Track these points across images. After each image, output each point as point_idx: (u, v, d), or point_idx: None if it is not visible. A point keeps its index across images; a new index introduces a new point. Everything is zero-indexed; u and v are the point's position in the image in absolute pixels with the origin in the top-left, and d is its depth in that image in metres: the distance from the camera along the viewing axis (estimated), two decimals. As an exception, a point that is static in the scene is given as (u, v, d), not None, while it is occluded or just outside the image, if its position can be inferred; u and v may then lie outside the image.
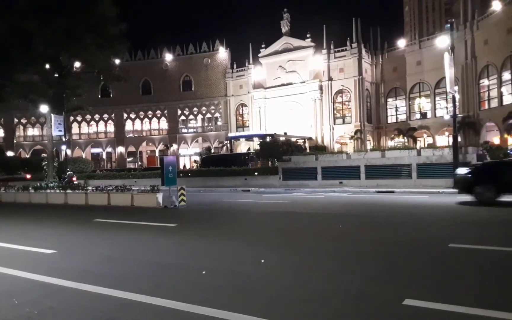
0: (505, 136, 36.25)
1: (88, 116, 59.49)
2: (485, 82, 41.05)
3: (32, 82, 28.83)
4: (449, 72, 20.37)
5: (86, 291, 5.22)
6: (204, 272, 5.36)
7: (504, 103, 38.18)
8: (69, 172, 26.68)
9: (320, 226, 10.62)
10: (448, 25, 21.64)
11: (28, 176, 34.63)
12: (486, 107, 41.04)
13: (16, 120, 61.79)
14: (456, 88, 22.32)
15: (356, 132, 46.44)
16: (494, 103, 39.77)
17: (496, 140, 37.44)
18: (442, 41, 26.13)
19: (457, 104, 22.96)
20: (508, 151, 24.62)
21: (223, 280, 5.62)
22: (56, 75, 28.46)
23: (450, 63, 20.38)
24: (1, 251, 8.23)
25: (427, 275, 5.59)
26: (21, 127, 63.56)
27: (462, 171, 14.74)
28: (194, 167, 42.97)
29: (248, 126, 55.65)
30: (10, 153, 56.19)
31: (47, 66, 28.28)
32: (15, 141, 61.91)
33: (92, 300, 4.93)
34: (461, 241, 7.51)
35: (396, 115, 49.90)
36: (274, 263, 6.58)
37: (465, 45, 41.43)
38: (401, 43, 50.57)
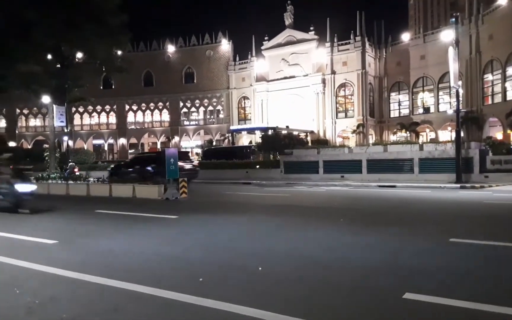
0: (508, 131, 36.12)
1: (90, 107, 59.49)
2: (489, 77, 40.82)
3: (34, 72, 28.62)
4: (453, 67, 20.22)
5: (88, 281, 5.20)
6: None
7: (508, 98, 37.99)
8: (71, 163, 26.63)
9: (321, 220, 10.59)
10: (453, 19, 21.42)
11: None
12: (490, 102, 40.85)
13: (18, 110, 61.83)
14: (459, 83, 22.17)
15: (358, 126, 46.29)
16: (498, 99, 39.58)
17: (499, 135, 37.30)
18: (447, 35, 25.92)
19: (460, 99, 22.82)
20: (511, 147, 24.53)
21: (225, 273, 5.60)
22: (58, 65, 28.31)
23: (454, 57, 20.22)
24: (2, 241, 8.23)
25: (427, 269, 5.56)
26: (23, 118, 63.63)
27: (110, 167, 23.78)
28: (196, 160, 42.92)
29: (250, 119, 55.54)
30: (12, 144, 56.30)
31: (49, 56, 28.14)
32: (17, 132, 62.03)
33: (94, 290, 4.91)
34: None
35: (399, 109, 49.70)
36: (275, 256, 6.56)
37: (470, 39, 41.15)
38: (405, 37, 50.29)
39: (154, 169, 19.40)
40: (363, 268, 5.69)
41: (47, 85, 27.77)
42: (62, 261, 6.31)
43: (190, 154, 25.31)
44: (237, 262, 6.17)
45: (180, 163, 18.50)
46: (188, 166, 21.24)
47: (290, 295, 4.61)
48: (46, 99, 28.37)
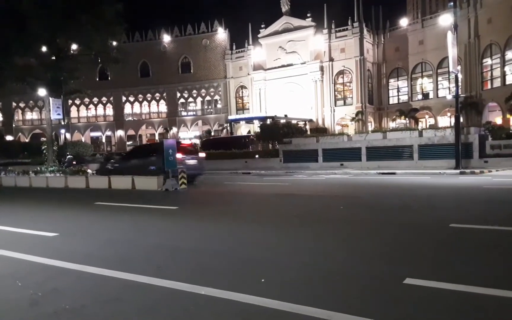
0: (508, 116, 36.10)
1: (86, 100, 59.20)
2: (488, 61, 40.65)
3: (30, 65, 28.43)
4: (452, 51, 20.10)
5: (90, 273, 5.19)
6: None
7: (507, 82, 37.90)
8: (69, 156, 26.60)
9: (321, 208, 10.59)
10: (451, 3, 21.21)
11: None
12: (489, 87, 40.75)
13: (14, 104, 61.46)
14: (458, 67, 22.05)
15: (357, 114, 46.19)
16: (497, 83, 39.47)
17: (498, 120, 37.28)
18: (445, 19, 25.72)
19: (459, 84, 22.73)
20: (511, 131, 24.51)
21: (226, 262, 5.59)
22: (53, 58, 28.05)
23: (453, 42, 20.09)
24: (3, 234, 8.21)
25: (427, 255, 5.56)
26: (20, 111, 63.31)
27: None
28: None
29: (248, 109, 55.35)
30: (9, 138, 56.08)
31: (44, 48, 27.85)
32: (14, 125, 61.77)
33: (96, 281, 4.90)
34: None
35: (398, 96, 49.57)
36: (276, 245, 6.55)
37: (468, 23, 40.88)
38: (404, 22, 49.92)
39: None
40: (363, 255, 5.69)
41: (42, 78, 27.57)
42: (64, 253, 6.29)
43: None
44: (241, 252, 6.16)
45: None
46: None
47: (295, 281, 4.60)
48: (42, 92, 28.18)
